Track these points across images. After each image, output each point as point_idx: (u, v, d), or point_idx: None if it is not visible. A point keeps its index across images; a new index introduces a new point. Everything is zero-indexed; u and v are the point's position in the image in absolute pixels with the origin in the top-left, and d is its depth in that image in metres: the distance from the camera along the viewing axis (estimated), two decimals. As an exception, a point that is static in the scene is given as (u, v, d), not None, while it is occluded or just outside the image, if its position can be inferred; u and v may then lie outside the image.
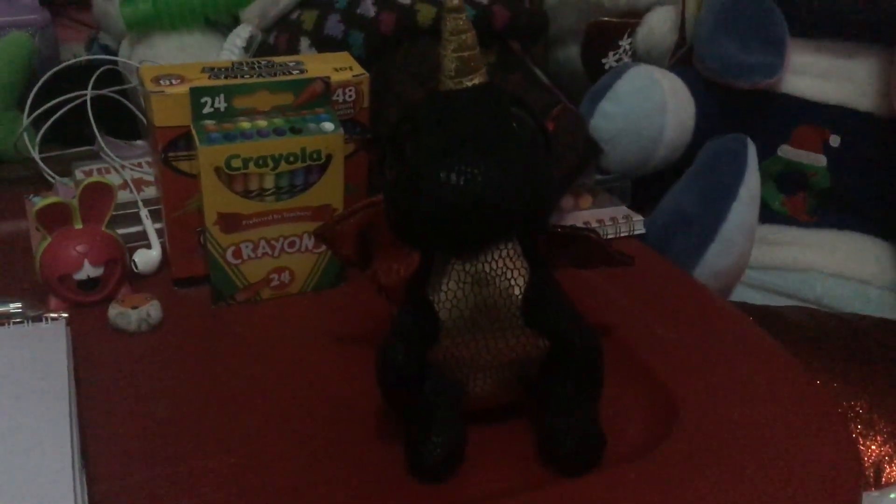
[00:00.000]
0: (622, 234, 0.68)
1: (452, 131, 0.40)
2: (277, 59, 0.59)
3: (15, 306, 0.55)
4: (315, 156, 0.56)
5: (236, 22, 0.75)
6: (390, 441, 0.46)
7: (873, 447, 0.56)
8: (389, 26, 0.64)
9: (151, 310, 0.55)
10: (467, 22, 0.41)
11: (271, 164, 0.55)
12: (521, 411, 0.47)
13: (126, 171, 0.66)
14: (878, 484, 0.56)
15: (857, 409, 0.58)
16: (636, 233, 0.69)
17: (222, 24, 0.77)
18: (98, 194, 0.56)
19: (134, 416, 0.48)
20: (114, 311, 0.55)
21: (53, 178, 0.68)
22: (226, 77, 0.56)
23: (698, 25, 0.78)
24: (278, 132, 0.55)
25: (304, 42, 0.66)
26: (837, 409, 0.57)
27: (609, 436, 0.45)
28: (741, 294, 0.73)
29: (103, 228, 0.57)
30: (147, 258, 0.61)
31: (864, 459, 0.56)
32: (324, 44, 0.65)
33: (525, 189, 0.40)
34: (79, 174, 0.66)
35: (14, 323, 0.54)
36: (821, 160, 0.75)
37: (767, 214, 0.76)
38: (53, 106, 0.70)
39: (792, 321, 0.66)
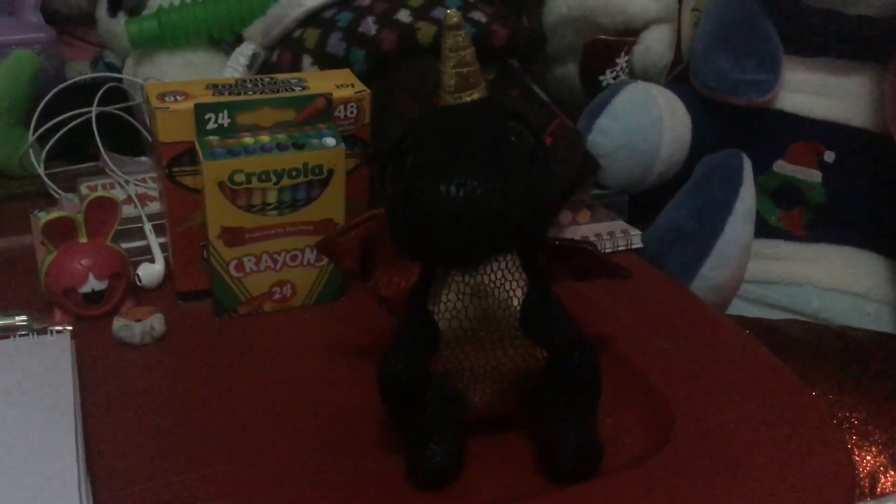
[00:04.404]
0: (620, 249, 0.69)
1: (452, 145, 0.41)
2: (280, 76, 0.60)
3: (20, 319, 0.55)
4: (317, 171, 0.57)
5: (239, 40, 0.76)
6: (391, 451, 0.47)
7: (868, 458, 0.57)
8: (390, 44, 0.65)
9: (155, 323, 0.56)
10: (467, 39, 0.42)
11: (274, 179, 0.56)
12: (519, 421, 0.48)
13: (130, 186, 0.66)
14: (873, 494, 0.56)
15: (853, 419, 0.58)
16: (634, 247, 0.70)
17: (226, 43, 0.78)
18: (103, 209, 0.57)
19: (138, 427, 0.49)
20: (118, 323, 0.56)
21: (59, 193, 0.69)
22: (229, 94, 0.57)
23: (694, 43, 0.79)
24: (281, 147, 0.56)
25: (307, 60, 0.67)
26: (833, 419, 0.57)
27: (607, 446, 0.45)
28: (738, 308, 0.74)
29: (108, 243, 0.58)
30: (151, 272, 0.61)
31: (859, 470, 0.57)
32: (326, 61, 0.66)
33: (524, 201, 0.40)
34: (84, 189, 0.67)
35: (20, 335, 0.54)
36: (816, 176, 0.76)
37: (764, 229, 0.77)
38: (59, 122, 0.70)
39: (788, 334, 0.67)
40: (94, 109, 0.69)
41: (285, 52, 0.69)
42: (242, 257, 0.58)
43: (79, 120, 0.70)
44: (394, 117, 0.63)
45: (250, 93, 0.57)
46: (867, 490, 0.56)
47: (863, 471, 0.57)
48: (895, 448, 0.58)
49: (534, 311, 0.43)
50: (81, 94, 0.72)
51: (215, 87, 0.57)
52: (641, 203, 0.74)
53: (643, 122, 0.73)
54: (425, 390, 0.45)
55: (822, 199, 0.76)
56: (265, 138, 0.56)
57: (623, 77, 0.82)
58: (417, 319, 0.44)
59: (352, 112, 0.60)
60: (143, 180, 0.67)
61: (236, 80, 0.59)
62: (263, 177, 0.55)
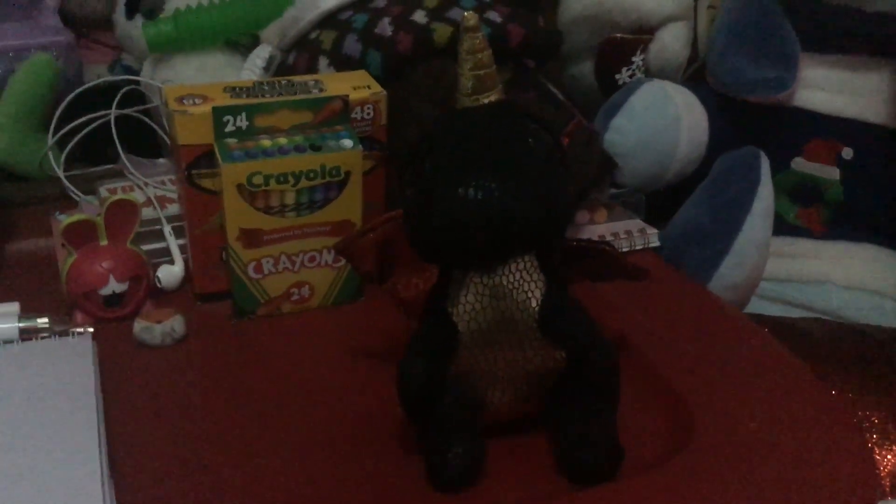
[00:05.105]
0: (637, 248, 0.69)
1: (470, 147, 0.41)
2: (297, 79, 0.60)
3: (42, 321, 0.55)
4: (334, 172, 0.57)
5: (256, 42, 0.76)
6: (410, 453, 0.47)
7: (889, 457, 0.57)
8: (406, 46, 0.65)
9: (175, 324, 0.56)
10: (484, 41, 0.42)
11: (292, 181, 0.56)
12: (538, 423, 0.48)
13: (150, 188, 0.67)
14: (894, 493, 0.56)
15: (873, 419, 0.58)
16: (651, 246, 0.70)
17: (242, 45, 0.78)
18: (123, 211, 0.57)
19: (159, 428, 0.49)
20: (138, 325, 0.56)
21: (78, 196, 0.70)
22: (247, 96, 0.57)
23: (710, 41, 0.79)
24: (298, 149, 0.56)
25: (323, 61, 0.67)
26: (853, 419, 0.57)
27: (626, 446, 0.45)
28: (756, 306, 0.74)
29: (128, 245, 0.58)
30: (170, 274, 0.62)
31: (879, 469, 0.56)
32: (342, 63, 0.66)
33: (542, 203, 0.40)
34: (103, 192, 0.67)
35: (41, 338, 0.55)
36: (834, 173, 0.76)
37: (782, 227, 0.77)
38: (78, 126, 0.71)
39: (807, 332, 0.66)
40: (113, 112, 0.69)
41: (301, 54, 0.69)
42: (261, 259, 0.58)
43: (97, 123, 0.70)
44: (410, 120, 0.63)
45: (267, 95, 0.57)
46: (888, 490, 0.56)
47: (883, 470, 0.56)
48: (916, 447, 0.57)
49: (552, 312, 0.43)
50: (100, 97, 0.72)
51: (233, 90, 0.58)
52: (658, 202, 0.74)
53: (660, 121, 0.73)
54: (444, 393, 0.45)
55: (841, 197, 0.76)
56: (283, 140, 0.57)
57: (639, 75, 0.82)
58: (436, 321, 0.44)
59: (368, 113, 0.60)
60: (162, 182, 0.68)
61: (254, 83, 0.59)
62: (281, 179, 0.56)
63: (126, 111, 0.71)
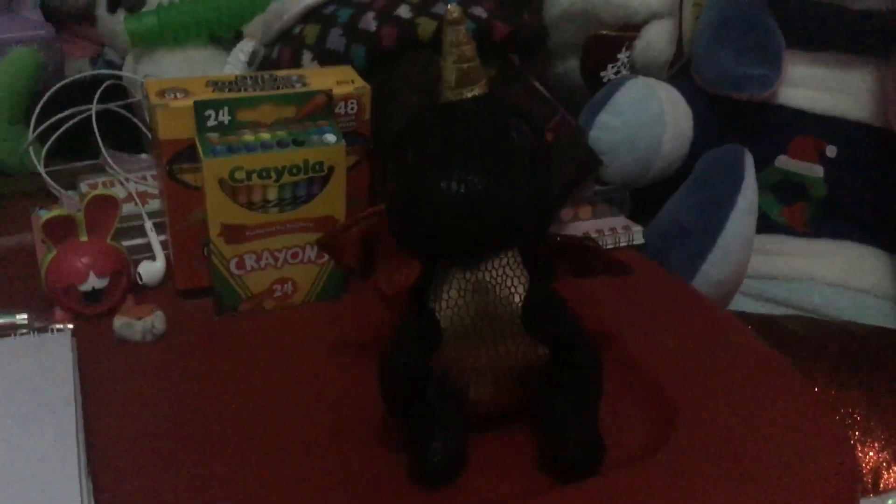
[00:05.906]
0: (621, 245, 0.69)
1: (453, 141, 0.40)
2: (280, 73, 0.60)
3: (21, 317, 0.55)
4: (317, 167, 0.56)
5: (239, 37, 0.76)
6: (392, 447, 0.47)
7: (871, 453, 0.57)
8: (391, 40, 0.64)
9: (156, 321, 0.56)
10: (467, 34, 0.42)
11: (274, 176, 0.55)
12: (521, 418, 0.48)
13: (131, 183, 0.66)
14: (875, 490, 0.56)
15: (855, 415, 0.58)
16: (635, 243, 0.70)
17: (225, 39, 0.78)
18: (103, 207, 0.57)
19: (139, 425, 0.49)
20: (119, 321, 0.56)
21: (59, 191, 0.69)
22: (229, 91, 0.57)
23: (696, 38, 0.79)
24: (281, 144, 0.56)
25: (307, 56, 0.67)
26: (835, 415, 0.57)
27: (608, 442, 0.45)
28: (740, 303, 0.74)
29: (108, 241, 0.58)
30: (151, 270, 0.61)
31: (862, 466, 0.56)
32: (326, 57, 0.66)
33: (525, 198, 0.40)
34: (84, 187, 0.66)
35: (20, 334, 0.54)
36: (818, 171, 0.76)
37: (766, 224, 0.77)
38: (59, 120, 0.70)
39: (790, 329, 0.67)
40: (95, 107, 0.69)
41: (285, 48, 0.69)
42: (243, 255, 0.57)
43: (79, 117, 0.70)
44: (396, 111, 0.63)
45: (250, 89, 0.57)
46: (870, 486, 0.56)
47: (866, 467, 0.56)
48: (898, 444, 0.58)
49: (535, 308, 0.43)
50: (81, 91, 0.72)
51: (215, 84, 0.57)
52: (643, 199, 0.74)
53: (644, 118, 0.72)
54: (427, 387, 0.45)
55: (824, 195, 0.76)
56: (265, 135, 0.56)
57: (624, 72, 0.82)
58: (418, 316, 0.44)
59: (352, 108, 0.59)
60: (144, 178, 0.67)
61: (236, 77, 0.59)
62: (264, 174, 0.55)
63: (108, 106, 0.70)
